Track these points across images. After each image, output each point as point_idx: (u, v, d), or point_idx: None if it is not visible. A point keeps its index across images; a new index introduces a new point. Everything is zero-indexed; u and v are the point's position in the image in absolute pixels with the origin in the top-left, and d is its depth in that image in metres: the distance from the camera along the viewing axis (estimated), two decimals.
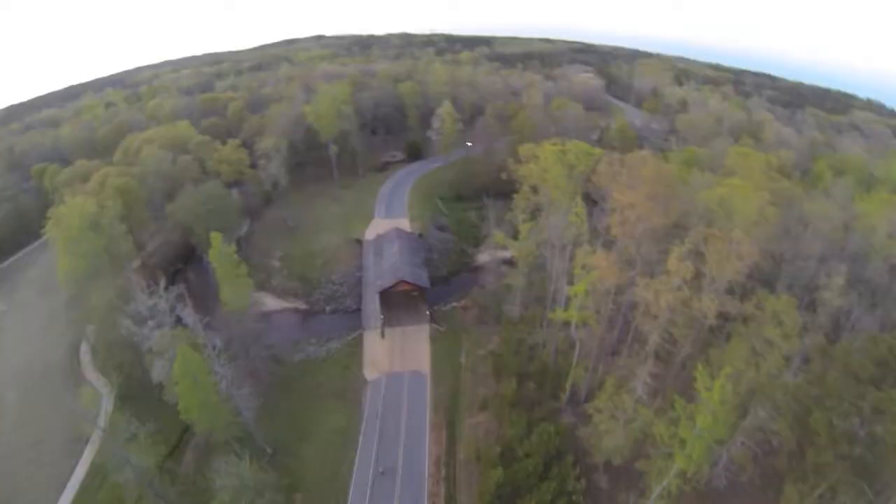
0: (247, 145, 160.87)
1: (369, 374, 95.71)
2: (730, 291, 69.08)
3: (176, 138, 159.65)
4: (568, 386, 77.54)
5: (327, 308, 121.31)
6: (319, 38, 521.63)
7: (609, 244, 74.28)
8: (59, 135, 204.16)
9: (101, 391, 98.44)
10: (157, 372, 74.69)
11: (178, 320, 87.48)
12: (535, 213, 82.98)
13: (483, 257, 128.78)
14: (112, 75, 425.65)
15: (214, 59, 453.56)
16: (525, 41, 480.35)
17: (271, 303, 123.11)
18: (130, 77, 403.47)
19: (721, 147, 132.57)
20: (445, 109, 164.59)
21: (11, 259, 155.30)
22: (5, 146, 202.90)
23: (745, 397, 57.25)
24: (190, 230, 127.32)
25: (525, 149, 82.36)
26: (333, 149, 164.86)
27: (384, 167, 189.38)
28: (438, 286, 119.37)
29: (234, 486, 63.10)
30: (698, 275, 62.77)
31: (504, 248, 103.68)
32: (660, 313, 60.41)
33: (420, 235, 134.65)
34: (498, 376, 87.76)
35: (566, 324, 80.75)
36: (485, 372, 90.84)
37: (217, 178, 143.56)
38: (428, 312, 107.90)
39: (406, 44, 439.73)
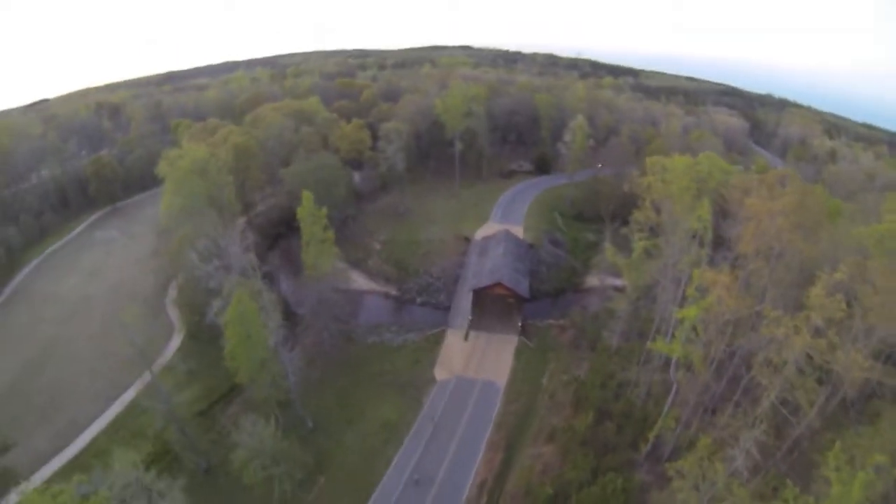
0: (372, 128, 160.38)
1: (440, 373, 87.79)
2: (875, 357, 54.06)
3: (303, 111, 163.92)
4: (652, 436, 64.10)
5: (418, 299, 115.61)
6: (466, 48, 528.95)
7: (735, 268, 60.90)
8: (202, 97, 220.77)
9: (175, 325, 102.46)
10: (212, 313, 71.28)
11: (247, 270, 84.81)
12: (653, 234, 71.47)
13: (593, 280, 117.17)
14: (266, 57, 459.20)
15: (361, 53, 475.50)
16: (671, 77, 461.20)
17: (362, 282, 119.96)
18: (282, 60, 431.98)
19: (871, 202, 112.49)
20: (578, 123, 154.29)
21: (136, 197, 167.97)
22: (154, 101, 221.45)
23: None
24: (298, 197, 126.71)
25: (653, 160, 71.23)
26: (458, 145, 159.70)
27: (510, 175, 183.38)
28: (539, 300, 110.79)
29: (251, 446, 59.33)
30: (841, 326, 48.51)
31: (617, 275, 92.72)
32: (785, 363, 47.11)
33: (532, 246, 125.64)
34: (577, 407, 76.26)
35: (666, 364, 68.43)
36: (564, 400, 79.48)
37: (335, 154, 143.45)
38: (520, 324, 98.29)
39: (551, 63, 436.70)
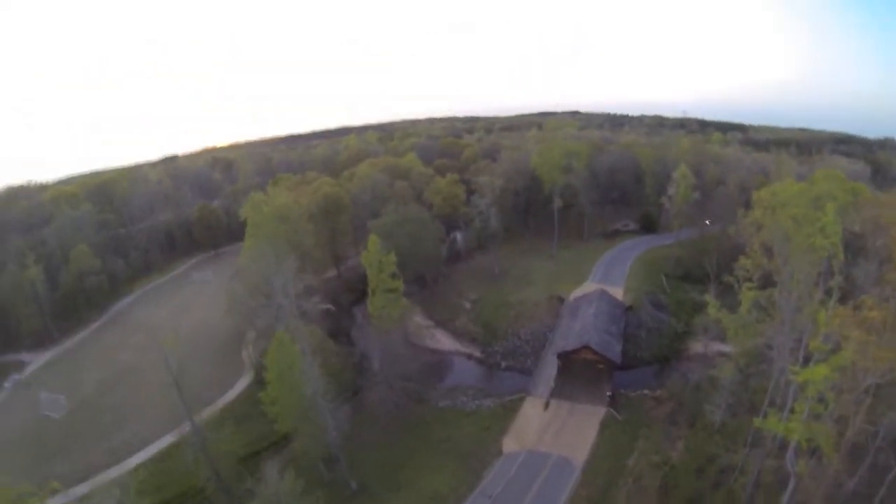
0: (468, 184, 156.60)
1: (509, 445, 75.50)
2: None
3: (398, 166, 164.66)
4: None
5: (502, 363, 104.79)
6: (574, 113, 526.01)
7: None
8: (308, 153, 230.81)
9: (246, 368, 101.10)
10: (251, 351, 65.36)
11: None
12: (766, 285, 56.41)
13: (697, 346, 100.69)
14: (379, 123, 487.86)
15: (470, 119, 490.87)
16: (783, 130, 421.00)
17: (445, 342, 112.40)
18: (394, 126, 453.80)
19: None
20: (681, 171, 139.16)
21: (237, 244, 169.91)
22: (264, 157, 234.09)
23: None
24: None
25: (761, 192, 57.34)
26: (557, 202, 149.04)
27: (613, 235, 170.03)
28: (636, 368, 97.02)
29: (265, 498, 53.37)
30: None
31: (724, 339, 76.73)
32: None
33: (630, 308, 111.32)
34: (665, 496, 61.08)
35: (782, 447, 52.45)
36: (651, 485, 64.28)
37: (429, 209, 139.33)
38: (609, 394, 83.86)
39: (657, 125, 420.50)
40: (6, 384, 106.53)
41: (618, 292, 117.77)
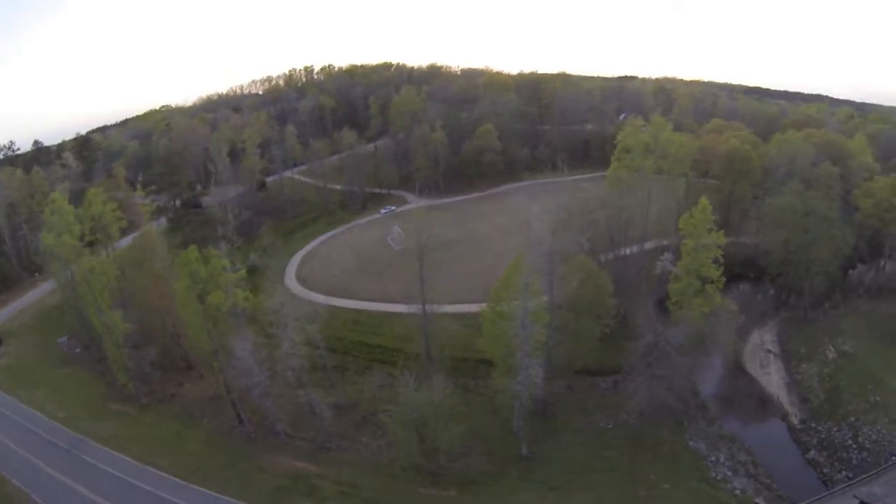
0: None
1: None
2: None
3: (837, 147, 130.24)
4: None
5: (811, 452, 71.70)
6: None
7: None
8: (758, 106, 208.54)
9: None
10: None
11: None
12: None
13: None
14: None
15: None
16: None
17: (774, 382, 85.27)
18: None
19: None
20: None
21: None
22: (711, 97, 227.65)
23: None
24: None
25: None
26: None
27: None
28: None
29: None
30: None
31: None
32: None
33: None
34: None
35: None
36: None
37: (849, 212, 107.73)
38: None
39: None
40: (383, 210, 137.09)
41: None
